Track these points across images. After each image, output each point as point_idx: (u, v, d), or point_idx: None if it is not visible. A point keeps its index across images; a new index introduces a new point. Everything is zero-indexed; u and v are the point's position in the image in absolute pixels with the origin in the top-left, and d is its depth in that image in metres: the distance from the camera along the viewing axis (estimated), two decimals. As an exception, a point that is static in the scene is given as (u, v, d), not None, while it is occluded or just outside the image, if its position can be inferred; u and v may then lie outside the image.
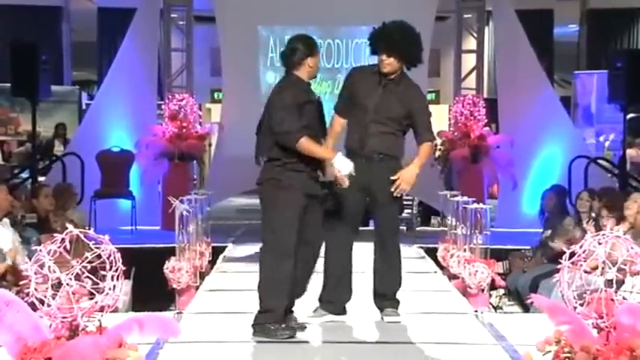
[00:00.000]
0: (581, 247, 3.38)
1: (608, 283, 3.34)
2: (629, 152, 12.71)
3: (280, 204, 4.83)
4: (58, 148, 12.94)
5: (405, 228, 10.56)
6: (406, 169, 5.15)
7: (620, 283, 3.44)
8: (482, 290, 6.24)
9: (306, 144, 4.79)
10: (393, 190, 5.10)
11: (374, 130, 5.14)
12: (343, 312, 5.29)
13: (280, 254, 4.81)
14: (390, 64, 5.15)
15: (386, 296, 5.31)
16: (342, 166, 4.91)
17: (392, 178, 5.11)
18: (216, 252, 8.06)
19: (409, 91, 5.24)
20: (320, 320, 5.21)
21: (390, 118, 5.17)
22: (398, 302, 5.33)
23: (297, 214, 4.83)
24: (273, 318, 4.81)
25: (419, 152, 5.24)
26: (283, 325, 4.83)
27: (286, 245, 4.80)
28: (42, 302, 3.22)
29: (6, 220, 6.13)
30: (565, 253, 3.39)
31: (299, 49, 4.92)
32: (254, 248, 8.65)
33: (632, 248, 3.36)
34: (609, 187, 8.21)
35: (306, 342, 4.85)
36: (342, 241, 5.24)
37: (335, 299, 5.27)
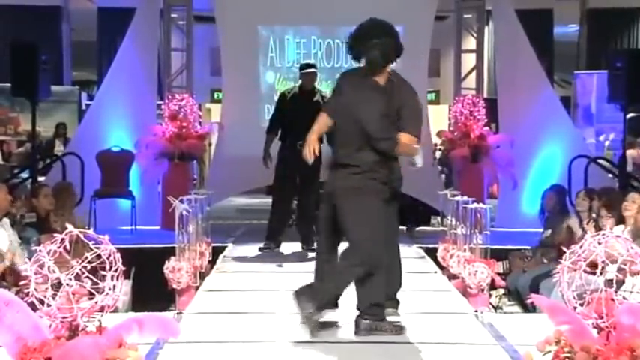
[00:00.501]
0: (581, 247, 3.38)
1: (608, 282, 3.34)
2: (630, 152, 12.72)
3: (366, 211, 4.89)
4: (59, 148, 12.96)
5: (404, 228, 10.56)
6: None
7: (620, 282, 3.44)
8: (482, 290, 6.24)
9: (404, 145, 4.90)
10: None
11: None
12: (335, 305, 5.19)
13: (371, 266, 4.89)
14: None
15: (387, 296, 5.22)
16: (420, 161, 5.02)
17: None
18: (216, 252, 8.05)
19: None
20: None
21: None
22: (398, 302, 5.28)
23: (381, 219, 4.94)
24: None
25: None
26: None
27: (376, 257, 4.91)
28: (42, 302, 3.22)
29: (6, 221, 6.13)
30: (565, 252, 3.39)
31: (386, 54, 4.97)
32: (254, 248, 8.68)
33: (631, 248, 3.37)
34: (608, 187, 8.21)
35: (306, 341, 4.85)
36: (332, 243, 5.18)
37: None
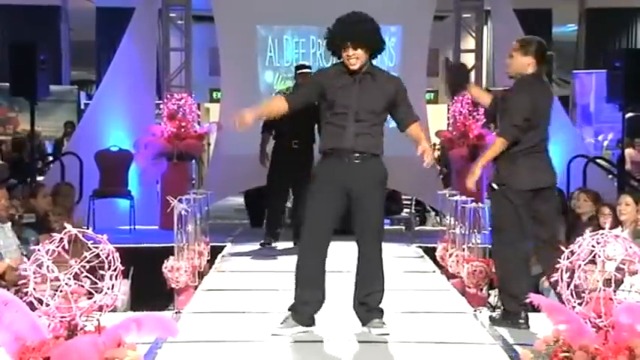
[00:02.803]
0: (579, 246, 3.38)
1: (607, 282, 3.35)
2: (629, 152, 12.73)
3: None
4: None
5: (403, 227, 10.58)
6: (421, 145, 4.96)
7: (619, 282, 3.44)
8: (481, 289, 6.25)
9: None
10: (424, 161, 4.92)
11: (356, 130, 4.88)
12: (312, 323, 4.99)
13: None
14: (358, 57, 4.84)
15: (369, 306, 4.99)
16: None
17: (418, 154, 4.92)
18: (215, 251, 8.06)
19: (390, 81, 5.01)
20: (293, 331, 4.92)
21: (372, 113, 4.91)
22: (382, 312, 5.00)
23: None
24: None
25: (415, 134, 5.03)
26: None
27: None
28: (40, 302, 3.22)
29: (8, 225, 6.15)
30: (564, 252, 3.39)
31: None
32: (252, 248, 8.68)
33: (630, 247, 3.37)
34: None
35: (303, 341, 4.85)
36: (317, 244, 4.98)
37: (304, 309, 4.98)
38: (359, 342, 4.88)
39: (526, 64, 5.20)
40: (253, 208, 10.63)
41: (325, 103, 4.97)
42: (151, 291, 6.81)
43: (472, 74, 11.85)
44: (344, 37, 4.88)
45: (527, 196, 5.20)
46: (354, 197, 4.91)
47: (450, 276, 7.01)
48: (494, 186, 5.29)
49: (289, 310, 4.99)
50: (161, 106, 10.97)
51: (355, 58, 4.85)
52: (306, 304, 4.95)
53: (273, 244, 8.69)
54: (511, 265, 5.22)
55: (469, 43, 12.48)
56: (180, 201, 6.41)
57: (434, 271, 7.56)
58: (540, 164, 5.30)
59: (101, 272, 3.23)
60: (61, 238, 3.23)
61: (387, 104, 4.97)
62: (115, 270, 3.25)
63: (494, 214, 5.35)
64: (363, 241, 4.96)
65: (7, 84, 10.23)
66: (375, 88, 4.92)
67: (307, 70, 8.55)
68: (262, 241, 8.71)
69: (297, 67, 8.80)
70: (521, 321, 5.16)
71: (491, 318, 5.41)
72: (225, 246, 8.76)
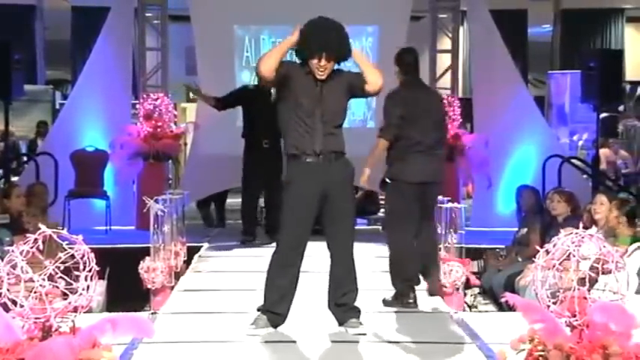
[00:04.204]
0: (554, 246, 3.41)
1: (581, 281, 3.37)
2: (604, 151, 12.83)
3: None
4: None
5: (380, 227, 10.59)
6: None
7: (593, 281, 3.46)
8: (457, 289, 6.27)
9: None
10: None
11: (324, 131, 4.89)
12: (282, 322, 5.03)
13: None
14: (327, 68, 4.87)
15: (347, 306, 5.01)
16: None
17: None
18: (192, 252, 8.03)
19: (343, 76, 4.99)
20: (265, 331, 4.94)
21: (337, 112, 4.95)
22: (358, 311, 5.03)
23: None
24: None
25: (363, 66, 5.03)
26: None
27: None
28: (14, 303, 3.20)
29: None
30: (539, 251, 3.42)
31: None
32: (229, 248, 8.67)
33: (604, 247, 3.40)
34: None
35: (279, 341, 4.85)
36: (291, 261, 4.96)
37: (274, 319, 4.99)
38: (336, 342, 4.89)
39: (394, 73, 6.02)
40: (204, 208, 10.96)
41: (289, 103, 4.95)
42: (127, 292, 6.78)
43: (448, 75, 11.93)
44: (320, 47, 4.84)
45: (416, 189, 5.82)
46: (328, 198, 4.91)
47: (427, 275, 7.02)
48: (387, 180, 5.84)
49: (258, 310, 5.01)
50: (137, 105, 10.91)
51: (324, 69, 4.86)
52: (278, 316, 5.00)
53: (256, 241, 8.97)
54: (401, 250, 5.86)
55: (445, 43, 12.52)
56: (156, 201, 6.39)
57: (410, 271, 7.56)
58: (425, 159, 5.81)
59: (76, 273, 3.21)
60: (36, 239, 3.21)
61: (347, 95, 5.01)
62: (90, 271, 3.23)
63: (387, 204, 6.17)
64: (337, 241, 4.97)
65: (-19, 84, 10.12)
66: (336, 88, 4.94)
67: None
68: (242, 239, 9.01)
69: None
70: (410, 301, 5.82)
71: (384, 300, 5.87)
72: (201, 246, 8.73)
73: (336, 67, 4.95)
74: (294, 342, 4.87)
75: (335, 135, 4.96)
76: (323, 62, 4.84)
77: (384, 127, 5.87)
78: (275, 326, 4.99)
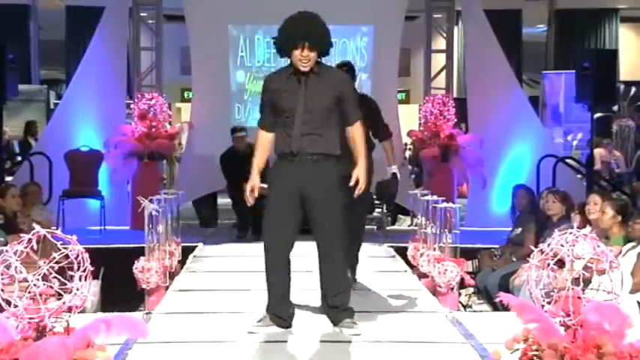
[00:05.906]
0: (548, 245, 3.41)
1: (575, 281, 3.38)
2: (599, 151, 12.85)
3: None
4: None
5: (375, 227, 10.60)
6: (356, 168, 4.92)
7: (587, 281, 3.47)
8: (452, 289, 6.28)
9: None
10: (355, 192, 4.91)
11: (304, 131, 4.83)
12: (289, 326, 5.06)
13: None
14: (310, 59, 4.78)
15: (340, 307, 5.00)
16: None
17: (351, 184, 4.89)
18: (186, 252, 8.03)
19: (336, 77, 4.98)
20: (268, 330, 4.98)
21: (319, 112, 4.85)
22: (353, 312, 5.04)
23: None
24: None
25: (355, 139, 4.95)
26: None
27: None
28: (9, 303, 3.19)
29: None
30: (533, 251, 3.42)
31: None
32: (224, 248, 8.66)
33: (598, 247, 3.40)
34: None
35: (273, 341, 4.84)
36: (280, 248, 4.95)
37: (283, 313, 5.03)
38: (330, 342, 4.88)
39: None
40: (199, 209, 11.12)
41: (277, 107, 4.93)
42: (122, 292, 6.77)
43: (443, 74, 11.95)
44: (300, 36, 4.79)
45: None
46: (309, 201, 4.88)
47: (421, 275, 7.03)
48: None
49: (267, 311, 5.03)
50: (132, 105, 10.91)
51: (308, 59, 4.80)
52: (281, 319, 5.02)
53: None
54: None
55: (440, 43, 12.55)
56: (150, 201, 6.38)
57: (405, 271, 7.58)
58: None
59: (70, 273, 3.21)
60: (30, 239, 3.21)
61: (335, 99, 4.90)
62: (84, 271, 3.23)
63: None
64: (323, 243, 4.95)
65: (-25, 84, 10.09)
66: (321, 86, 4.87)
67: (242, 134, 9.45)
68: (237, 235, 9.50)
69: (234, 130, 9.59)
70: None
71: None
72: (196, 246, 8.73)
73: (335, 67, 4.93)
74: (287, 342, 4.86)
75: (320, 136, 4.86)
76: (305, 52, 4.78)
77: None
78: (281, 327, 5.01)
